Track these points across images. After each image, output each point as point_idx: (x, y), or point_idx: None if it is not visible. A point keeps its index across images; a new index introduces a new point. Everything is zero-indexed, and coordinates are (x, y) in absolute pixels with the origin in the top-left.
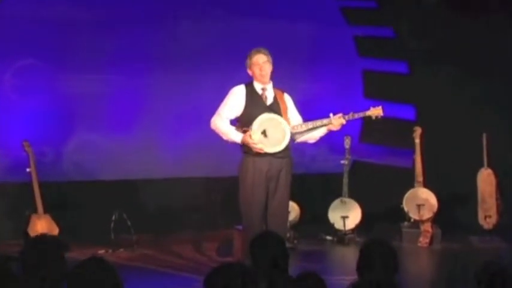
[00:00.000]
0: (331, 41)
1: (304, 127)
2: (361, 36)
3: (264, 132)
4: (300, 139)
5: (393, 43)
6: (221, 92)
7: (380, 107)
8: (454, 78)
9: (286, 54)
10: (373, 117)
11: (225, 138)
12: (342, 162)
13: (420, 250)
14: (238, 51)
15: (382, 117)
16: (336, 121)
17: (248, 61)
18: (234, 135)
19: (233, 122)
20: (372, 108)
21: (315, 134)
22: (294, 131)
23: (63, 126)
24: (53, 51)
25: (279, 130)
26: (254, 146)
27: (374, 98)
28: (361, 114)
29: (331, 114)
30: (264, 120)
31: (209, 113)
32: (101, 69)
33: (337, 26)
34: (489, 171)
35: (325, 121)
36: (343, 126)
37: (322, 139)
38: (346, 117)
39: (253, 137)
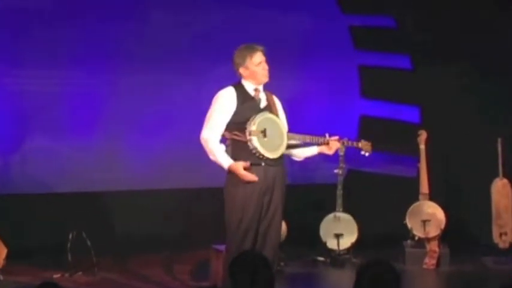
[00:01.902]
0: (322, 31)
1: (301, 139)
2: (357, 26)
3: (263, 132)
4: (286, 151)
5: (394, 34)
6: (197, 93)
7: (370, 144)
8: (465, 75)
9: (271, 49)
10: (363, 152)
11: (211, 157)
12: (336, 171)
13: (426, 273)
14: (219, 46)
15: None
16: (334, 144)
17: (246, 60)
18: (222, 159)
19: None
20: (362, 141)
21: (303, 152)
22: (289, 141)
23: (12, 130)
24: (0, 42)
25: (278, 134)
26: (245, 176)
27: (372, 97)
28: (354, 144)
29: (327, 135)
30: (264, 118)
31: (183, 116)
32: (58, 64)
33: (330, 14)
34: (505, 181)
35: (320, 140)
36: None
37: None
38: (345, 142)
39: (251, 132)
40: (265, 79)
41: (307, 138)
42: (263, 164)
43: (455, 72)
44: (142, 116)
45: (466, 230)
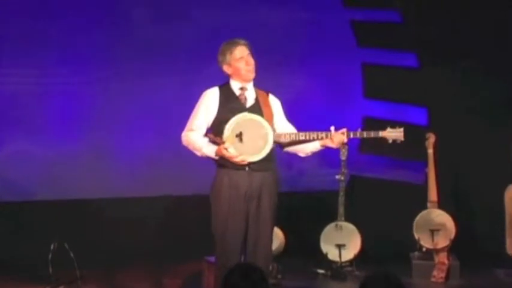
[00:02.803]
0: (322, 27)
1: (294, 137)
2: (359, 21)
3: (239, 136)
4: (289, 148)
5: (399, 30)
6: (185, 93)
7: (401, 130)
8: (476, 74)
9: (266, 46)
10: (390, 141)
11: (199, 154)
12: (337, 177)
13: (434, 287)
14: (208, 43)
15: (401, 142)
16: (337, 137)
17: (227, 56)
18: (207, 149)
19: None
20: (389, 129)
21: (307, 147)
22: (279, 140)
23: None
24: None
25: (259, 134)
26: (232, 158)
27: (376, 97)
28: (372, 134)
29: (332, 128)
30: (241, 120)
31: (172, 118)
32: (38, 62)
33: (331, 8)
34: None
35: (323, 134)
36: (343, 145)
37: None
38: (352, 134)
39: (225, 139)
40: (250, 75)
41: (304, 136)
42: (247, 168)
43: (466, 71)
44: (130, 118)
45: (477, 240)
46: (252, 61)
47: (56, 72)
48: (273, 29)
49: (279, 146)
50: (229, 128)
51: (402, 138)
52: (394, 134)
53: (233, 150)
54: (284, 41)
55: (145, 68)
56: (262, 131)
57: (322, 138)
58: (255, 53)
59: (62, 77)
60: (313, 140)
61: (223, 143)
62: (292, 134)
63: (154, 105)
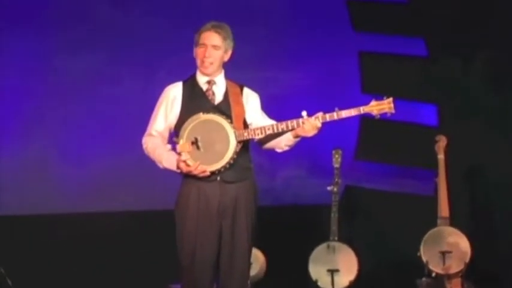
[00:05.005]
0: (314, 9)
1: (259, 132)
2: (357, 2)
3: (195, 142)
4: (267, 145)
5: (404, 12)
6: (148, 92)
7: (390, 100)
8: (494, 67)
9: (247, 32)
10: (377, 116)
11: (161, 167)
12: (329, 188)
13: None
14: (180, 28)
15: (392, 114)
16: (308, 124)
17: (195, 38)
18: (168, 162)
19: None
20: (373, 102)
21: (281, 141)
22: (242, 139)
23: None
24: None
25: (219, 137)
26: (191, 171)
27: (376, 92)
28: (353, 112)
29: (304, 113)
30: (195, 123)
31: (131, 122)
32: None
33: None
34: None
35: (293, 123)
36: (319, 131)
37: (301, 154)
38: (328, 116)
39: (179, 148)
40: (204, 69)
41: (276, 127)
42: (218, 178)
43: (483, 62)
44: (78, 121)
45: (497, 264)
46: (213, 53)
47: None
48: (256, 11)
49: (257, 144)
50: (183, 135)
51: (393, 110)
52: (381, 106)
53: (191, 162)
54: (268, 25)
55: (101, 58)
56: (221, 133)
57: (293, 128)
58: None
59: None
60: (283, 131)
61: (179, 154)
62: (257, 129)
63: (110, 107)
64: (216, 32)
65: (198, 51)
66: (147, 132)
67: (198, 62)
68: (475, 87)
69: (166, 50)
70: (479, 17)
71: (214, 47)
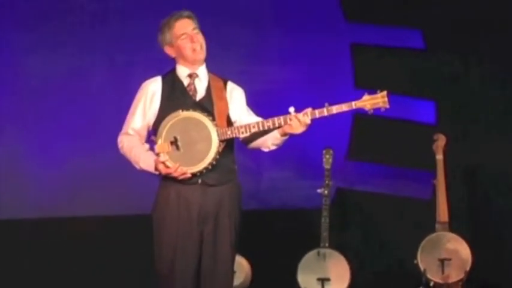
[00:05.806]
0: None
1: (244, 130)
2: None
3: (174, 142)
4: (252, 144)
5: (400, 1)
6: (124, 89)
7: (383, 93)
8: (495, 60)
9: (231, 23)
10: (370, 111)
11: (137, 168)
12: (319, 191)
13: None
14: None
15: (386, 109)
16: (295, 121)
17: (166, 35)
18: (146, 163)
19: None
20: (366, 96)
21: (267, 140)
22: (225, 138)
23: None
24: None
25: (200, 136)
26: (170, 174)
27: (370, 87)
28: (345, 107)
29: (291, 109)
30: (174, 121)
31: (107, 121)
32: None
33: None
34: None
35: (280, 120)
36: (308, 128)
37: (289, 154)
38: (317, 112)
39: (157, 149)
40: (198, 55)
41: (262, 125)
42: (199, 181)
43: (484, 55)
44: (52, 118)
45: (497, 272)
46: (199, 37)
47: None
48: (243, 4)
49: (242, 143)
50: (161, 133)
51: (387, 105)
52: (375, 101)
53: (171, 163)
54: (252, 16)
55: (76, 49)
56: (203, 132)
57: (280, 125)
58: (216, 28)
59: None
60: (270, 129)
61: (157, 154)
62: (242, 127)
63: (83, 103)
64: (189, 18)
65: (182, 43)
66: (123, 131)
67: (188, 52)
68: (475, 82)
69: (143, 45)
70: (481, 6)
71: (196, 31)
